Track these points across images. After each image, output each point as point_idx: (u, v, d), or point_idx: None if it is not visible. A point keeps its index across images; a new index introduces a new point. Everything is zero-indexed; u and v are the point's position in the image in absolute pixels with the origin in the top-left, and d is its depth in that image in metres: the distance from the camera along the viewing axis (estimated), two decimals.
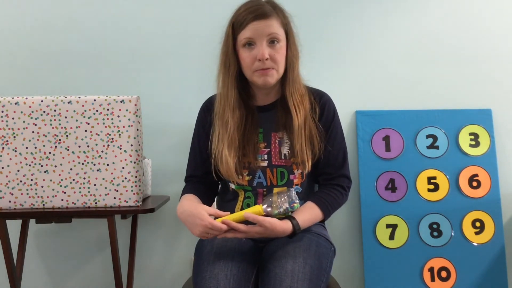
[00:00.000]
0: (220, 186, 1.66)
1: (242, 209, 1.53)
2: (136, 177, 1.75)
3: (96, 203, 1.74)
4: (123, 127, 1.73)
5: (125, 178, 1.74)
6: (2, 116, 1.73)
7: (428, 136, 2.17)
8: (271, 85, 1.48)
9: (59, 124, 1.73)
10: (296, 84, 1.50)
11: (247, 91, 1.55)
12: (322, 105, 1.54)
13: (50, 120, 1.73)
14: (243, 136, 1.50)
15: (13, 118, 1.73)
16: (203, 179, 1.58)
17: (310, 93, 1.56)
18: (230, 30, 1.48)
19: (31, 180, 1.73)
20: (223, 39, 1.51)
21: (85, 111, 1.73)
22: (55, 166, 1.73)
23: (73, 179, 1.74)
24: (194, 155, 1.60)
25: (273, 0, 1.51)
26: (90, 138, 1.73)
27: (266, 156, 1.51)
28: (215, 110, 1.53)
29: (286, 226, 1.38)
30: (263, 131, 1.54)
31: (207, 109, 1.58)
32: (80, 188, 1.74)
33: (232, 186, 1.55)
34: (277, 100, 1.55)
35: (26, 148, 1.73)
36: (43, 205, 1.74)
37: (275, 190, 1.50)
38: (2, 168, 1.73)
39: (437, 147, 2.16)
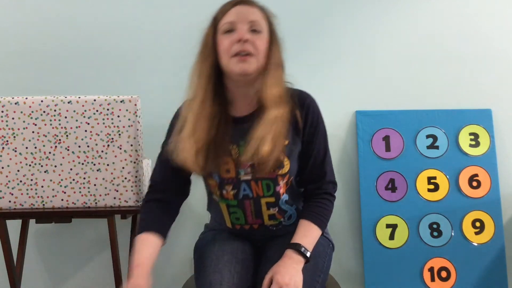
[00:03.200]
0: (207, 198, 1.55)
1: (232, 223, 1.47)
2: (136, 177, 1.75)
3: (96, 203, 1.74)
4: (123, 127, 1.73)
5: (125, 178, 1.74)
6: (2, 116, 1.73)
7: (428, 136, 2.17)
8: (249, 74, 1.33)
9: (59, 124, 1.73)
10: (276, 87, 1.35)
11: (223, 98, 1.40)
12: (306, 109, 1.41)
13: (50, 120, 1.73)
14: (215, 137, 1.35)
15: (13, 118, 1.73)
16: (168, 194, 1.43)
17: (293, 97, 1.40)
18: (212, 20, 1.39)
19: (31, 180, 1.73)
20: (205, 31, 1.39)
21: (85, 111, 1.73)
22: (55, 166, 1.73)
23: (73, 179, 1.74)
24: (163, 165, 1.42)
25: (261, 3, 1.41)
26: (90, 138, 1.73)
27: (249, 169, 1.40)
28: (185, 104, 1.41)
29: (295, 257, 1.33)
30: (244, 144, 1.37)
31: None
32: (80, 188, 1.74)
33: (216, 198, 1.45)
34: (255, 111, 1.38)
35: (26, 148, 1.73)
36: (43, 205, 1.74)
37: (262, 200, 1.42)
38: (2, 168, 1.73)
39: (437, 147, 2.16)
